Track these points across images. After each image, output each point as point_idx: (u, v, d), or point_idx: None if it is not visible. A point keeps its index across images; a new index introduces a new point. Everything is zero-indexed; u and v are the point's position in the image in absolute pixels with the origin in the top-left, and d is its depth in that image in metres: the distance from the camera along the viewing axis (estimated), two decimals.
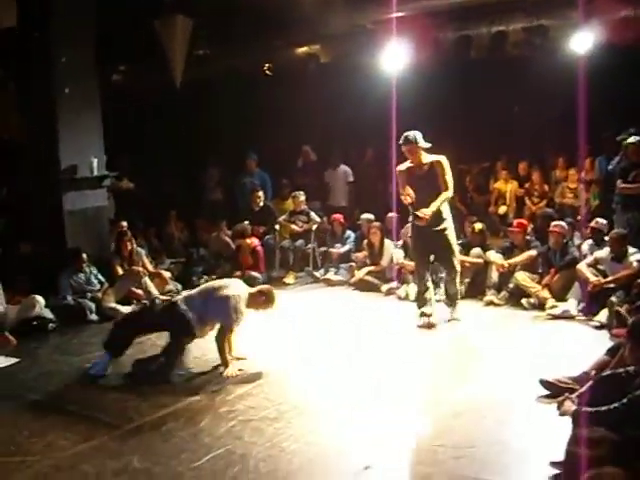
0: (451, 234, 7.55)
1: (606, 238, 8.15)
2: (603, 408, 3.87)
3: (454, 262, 7.68)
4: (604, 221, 8.55)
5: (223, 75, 13.08)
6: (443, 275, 8.14)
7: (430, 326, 7.58)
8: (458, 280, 7.78)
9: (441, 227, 7.44)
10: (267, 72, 13.88)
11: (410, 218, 7.68)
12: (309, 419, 5.24)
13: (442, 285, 8.24)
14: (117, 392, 6.02)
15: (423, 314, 7.69)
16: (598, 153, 10.80)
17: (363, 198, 12.14)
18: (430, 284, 7.84)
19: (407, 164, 7.49)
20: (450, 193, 7.42)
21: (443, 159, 7.41)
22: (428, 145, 7.42)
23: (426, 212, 7.22)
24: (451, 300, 7.84)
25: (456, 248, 7.76)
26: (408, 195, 7.30)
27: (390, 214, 9.95)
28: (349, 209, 12.02)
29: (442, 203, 7.35)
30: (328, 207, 12.02)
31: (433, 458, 4.50)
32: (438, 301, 8.06)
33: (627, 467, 2.80)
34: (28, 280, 8.34)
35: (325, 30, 11.69)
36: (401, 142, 7.38)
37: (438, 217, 7.40)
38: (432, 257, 7.84)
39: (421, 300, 7.80)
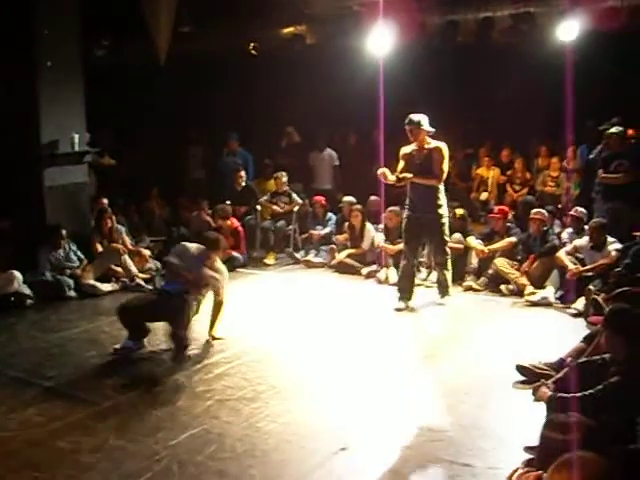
0: (445, 222, 7.63)
1: (586, 227, 8.21)
2: (578, 394, 3.92)
3: (446, 250, 7.76)
4: (584, 210, 8.60)
5: (208, 53, 12.97)
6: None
7: (410, 310, 7.65)
8: (449, 268, 7.84)
9: (436, 214, 7.51)
10: (252, 51, 13.79)
11: (406, 204, 7.75)
12: (286, 400, 5.26)
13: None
14: (95, 370, 6.00)
15: (403, 299, 7.74)
16: (580, 142, 10.83)
17: (346, 181, 12.10)
18: (415, 270, 7.90)
19: (411, 147, 7.56)
20: (440, 183, 7.48)
21: (443, 147, 7.48)
22: (432, 130, 7.49)
23: (407, 175, 7.37)
24: (442, 287, 7.87)
25: (448, 236, 7.83)
26: (383, 175, 7.39)
27: (372, 197, 9.94)
28: (333, 192, 11.98)
29: (427, 182, 7.43)
30: (312, 190, 11.96)
31: (410, 441, 4.54)
32: (429, 287, 8.18)
33: (601, 452, 2.82)
34: (6, 256, 8.26)
35: (311, 10, 11.62)
36: (405, 122, 7.45)
37: (434, 204, 7.48)
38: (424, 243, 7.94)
39: (403, 285, 7.83)
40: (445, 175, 7.53)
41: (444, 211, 7.60)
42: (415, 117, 7.45)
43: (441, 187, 7.55)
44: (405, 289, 7.80)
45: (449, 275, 7.86)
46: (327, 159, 12.37)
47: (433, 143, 7.52)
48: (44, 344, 6.72)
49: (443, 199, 7.58)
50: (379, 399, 5.29)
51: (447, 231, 7.74)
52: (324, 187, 12.11)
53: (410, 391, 5.40)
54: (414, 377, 5.73)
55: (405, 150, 7.64)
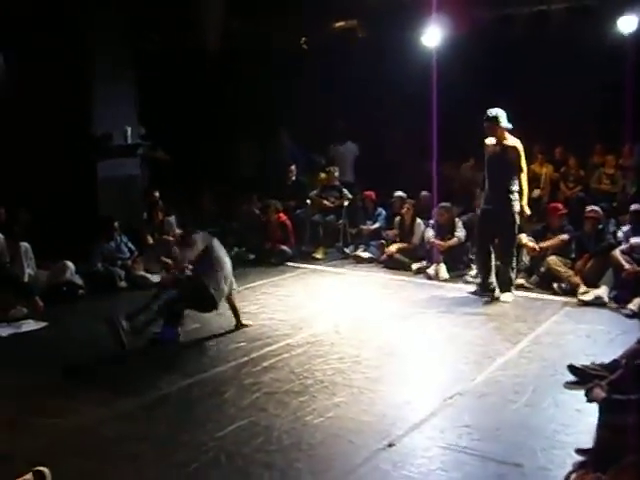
0: (517, 219, 7.66)
1: None
2: (634, 396, 3.80)
3: (512, 247, 7.77)
4: None
5: (259, 47, 12.98)
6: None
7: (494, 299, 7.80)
8: (512, 266, 7.82)
9: (510, 210, 7.56)
10: (303, 46, 13.77)
11: (482, 200, 7.89)
12: (333, 394, 5.22)
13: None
14: (144, 361, 6.06)
15: (484, 290, 7.91)
16: (638, 139, 10.58)
17: (393, 177, 11.99)
18: (492, 267, 7.90)
19: (492, 140, 7.66)
20: (524, 176, 7.61)
21: (517, 144, 7.54)
22: (509, 126, 7.52)
23: (526, 211, 7.67)
24: (503, 283, 7.84)
25: (517, 234, 7.84)
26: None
27: (424, 192, 9.87)
28: (354, 185, 11.84)
29: (526, 188, 7.62)
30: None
31: (458, 439, 4.46)
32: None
33: None
34: (59, 246, 8.39)
35: (363, 4, 11.55)
36: (484, 117, 7.53)
37: (508, 199, 7.55)
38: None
39: (484, 286, 7.94)
40: (525, 172, 7.62)
41: (517, 208, 7.61)
42: (492, 112, 7.53)
43: (516, 185, 7.57)
44: (484, 283, 7.91)
45: (513, 273, 7.83)
46: (349, 151, 12.28)
47: (510, 140, 7.57)
48: (94, 333, 6.78)
49: (516, 196, 7.60)
50: (427, 395, 5.23)
51: (517, 229, 7.75)
52: (345, 179, 11.92)
53: (458, 388, 5.32)
54: (462, 374, 5.64)
55: (486, 142, 7.74)
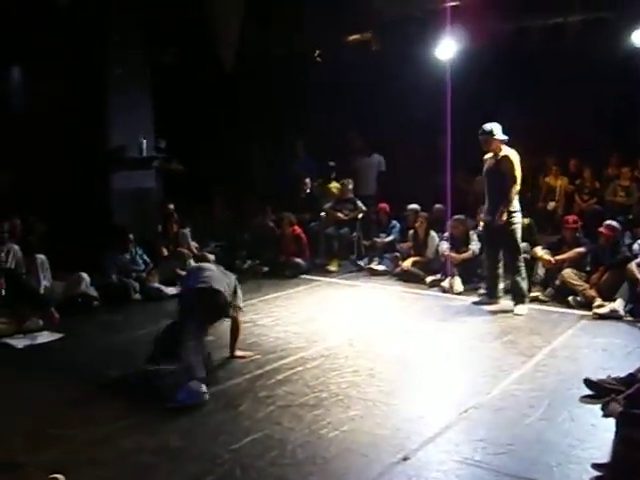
0: (518, 230, 7.72)
1: None
2: None
3: (518, 255, 7.80)
4: None
5: (275, 61, 13.04)
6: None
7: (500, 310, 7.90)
8: (524, 274, 7.85)
9: (508, 222, 7.62)
10: (317, 59, 13.82)
11: (482, 213, 8.03)
12: (348, 407, 5.21)
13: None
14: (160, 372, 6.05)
15: (491, 298, 8.06)
16: None
17: (408, 189, 11.99)
18: (500, 275, 8.02)
19: (490, 154, 7.79)
20: (515, 187, 7.61)
21: (511, 154, 7.60)
22: (505, 137, 7.60)
23: (503, 218, 7.63)
24: (515, 294, 7.89)
25: (520, 245, 7.87)
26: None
27: (437, 205, 9.87)
28: (376, 199, 11.81)
29: (510, 197, 7.59)
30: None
31: (472, 453, 4.44)
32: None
33: None
34: (74, 258, 8.44)
35: (377, 17, 11.58)
36: (479, 132, 7.64)
37: (503, 211, 7.60)
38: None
39: (491, 293, 8.07)
40: (519, 180, 7.60)
41: (515, 218, 7.65)
42: (487, 127, 7.62)
43: (512, 194, 7.58)
44: (491, 290, 8.06)
45: (524, 283, 7.85)
46: (374, 164, 12.27)
47: (504, 151, 7.63)
48: (109, 345, 6.84)
49: (516, 206, 7.63)
50: (442, 409, 5.20)
51: (519, 237, 7.76)
52: (366, 193, 11.91)
53: (473, 402, 5.30)
54: (477, 388, 5.62)
55: (485, 157, 7.88)
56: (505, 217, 7.62)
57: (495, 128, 7.58)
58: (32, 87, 9.49)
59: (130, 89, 9.26)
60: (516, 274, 7.81)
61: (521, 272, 7.81)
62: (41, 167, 9.47)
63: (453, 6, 9.95)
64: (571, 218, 8.86)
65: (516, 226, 7.68)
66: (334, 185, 11.61)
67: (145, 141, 9.43)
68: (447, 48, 9.92)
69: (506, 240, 7.76)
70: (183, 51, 12.85)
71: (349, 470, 4.28)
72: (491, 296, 8.07)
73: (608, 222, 8.30)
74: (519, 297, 7.83)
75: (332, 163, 12.02)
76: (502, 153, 7.63)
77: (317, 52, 13.70)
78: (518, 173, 7.58)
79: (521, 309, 7.77)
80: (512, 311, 7.78)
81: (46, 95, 9.49)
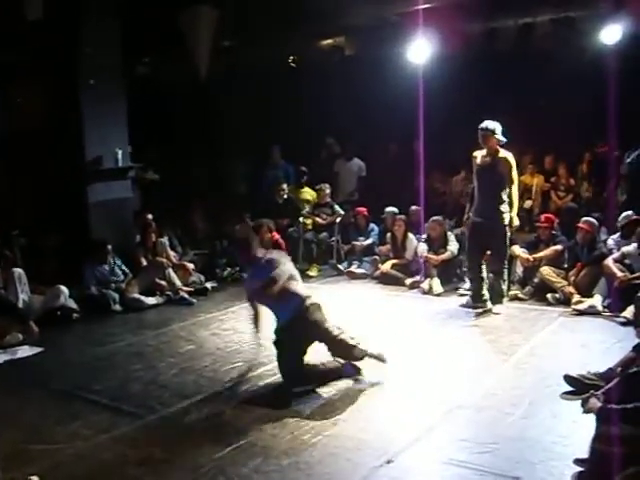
0: (508, 231, 7.70)
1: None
2: (629, 405, 3.81)
3: (504, 259, 7.80)
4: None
5: (248, 67, 13.04)
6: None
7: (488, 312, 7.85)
8: (505, 278, 7.88)
9: (500, 221, 7.60)
10: (291, 64, 13.85)
11: (468, 214, 7.93)
12: (331, 412, 5.22)
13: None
14: (140, 383, 6.04)
15: (478, 303, 7.95)
16: (627, 147, 10.64)
17: (386, 192, 12.03)
18: (484, 277, 7.94)
19: (482, 152, 7.70)
20: (515, 189, 7.68)
21: (510, 157, 7.61)
22: (504, 139, 7.58)
23: (515, 222, 7.75)
24: (496, 295, 7.89)
25: (508, 247, 7.86)
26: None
27: (413, 207, 9.90)
28: (356, 203, 11.83)
29: (514, 200, 7.67)
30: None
31: (456, 453, 4.46)
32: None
33: None
34: (53, 271, 8.39)
35: (350, 22, 11.62)
36: (480, 127, 7.59)
37: (498, 211, 7.60)
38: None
39: (476, 297, 7.98)
40: (515, 184, 7.69)
41: (507, 219, 7.65)
42: (490, 125, 7.56)
43: (505, 196, 7.61)
44: (480, 301, 7.93)
45: (504, 284, 7.88)
46: (354, 169, 12.31)
47: (502, 153, 7.62)
48: (90, 357, 6.80)
49: (507, 207, 7.63)
50: (424, 410, 5.22)
51: (508, 240, 7.76)
52: (346, 198, 11.98)
53: (455, 402, 5.32)
54: (459, 388, 5.65)
55: (476, 154, 7.78)
56: (508, 220, 7.64)
57: (497, 127, 7.54)
58: (5, 102, 9.42)
59: (105, 100, 9.19)
60: (499, 276, 7.82)
61: (503, 274, 7.83)
62: (16, 181, 9.40)
63: (425, 9, 9.98)
64: (544, 217, 8.95)
65: (507, 228, 7.67)
66: (306, 190, 11.63)
67: (121, 151, 9.38)
68: (420, 51, 9.97)
69: (496, 242, 7.72)
70: (157, 62, 12.86)
71: (333, 475, 4.29)
72: (475, 300, 8.00)
73: (586, 218, 8.39)
74: (498, 297, 7.88)
75: (304, 168, 12.00)
76: (500, 155, 7.59)
77: (291, 58, 13.74)
78: (515, 176, 7.65)
79: (499, 308, 7.83)
80: (491, 310, 7.82)
81: (20, 109, 9.43)
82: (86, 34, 8.99)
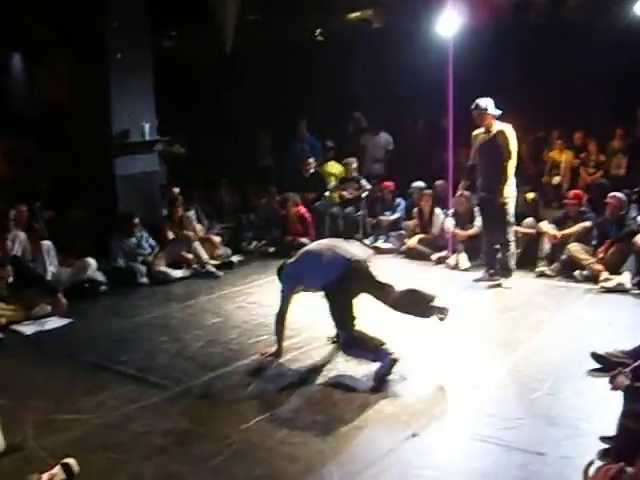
0: (510, 205, 7.66)
1: None
2: None
3: (507, 230, 7.76)
4: None
5: (274, 40, 12.98)
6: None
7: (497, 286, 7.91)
8: (512, 249, 7.83)
9: (495, 194, 7.57)
10: (318, 37, 13.76)
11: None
12: (356, 386, 5.23)
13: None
14: (167, 355, 6.10)
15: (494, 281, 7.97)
16: None
17: (413, 166, 11.95)
18: (498, 252, 7.98)
19: (481, 130, 7.72)
20: (511, 162, 7.53)
21: (507, 129, 7.54)
22: (498, 112, 7.55)
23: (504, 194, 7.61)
24: (502, 268, 7.90)
25: (511, 219, 7.80)
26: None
27: (439, 181, 9.83)
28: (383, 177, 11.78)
29: (508, 172, 7.54)
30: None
31: (481, 428, 4.46)
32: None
33: None
34: (81, 243, 8.47)
35: None
36: (472, 107, 7.58)
37: (495, 184, 7.57)
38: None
39: (488, 270, 8.09)
40: (514, 155, 7.55)
41: (508, 192, 7.59)
42: (482, 102, 7.55)
43: (509, 169, 7.53)
44: (490, 263, 8.05)
45: (512, 258, 7.87)
46: (382, 143, 12.22)
47: (498, 126, 7.57)
48: (117, 329, 6.88)
49: (509, 181, 7.56)
50: (450, 386, 5.23)
51: (509, 212, 7.71)
52: (373, 172, 11.89)
53: (481, 378, 5.32)
54: (485, 364, 5.64)
55: (475, 133, 7.82)
56: (509, 192, 7.60)
57: (489, 103, 7.52)
58: (33, 76, 9.47)
59: (131, 73, 9.21)
60: (505, 249, 7.82)
61: (509, 247, 7.81)
62: (45, 154, 9.48)
63: None
64: (572, 193, 8.85)
65: (508, 199, 7.62)
66: (332, 164, 11.59)
67: (147, 125, 9.40)
68: (449, 24, 9.83)
69: (498, 215, 7.71)
70: (184, 35, 12.85)
71: (359, 447, 4.32)
72: (490, 275, 8.04)
73: (614, 193, 8.28)
74: (506, 271, 7.87)
75: (330, 143, 11.95)
76: (496, 128, 7.55)
77: (318, 31, 13.64)
78: (513, 148, 7.53)
79: (507, 282, 7.84)
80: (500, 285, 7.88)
81: (48, 83, 9.47)
82: (113, 8, 9.00)
